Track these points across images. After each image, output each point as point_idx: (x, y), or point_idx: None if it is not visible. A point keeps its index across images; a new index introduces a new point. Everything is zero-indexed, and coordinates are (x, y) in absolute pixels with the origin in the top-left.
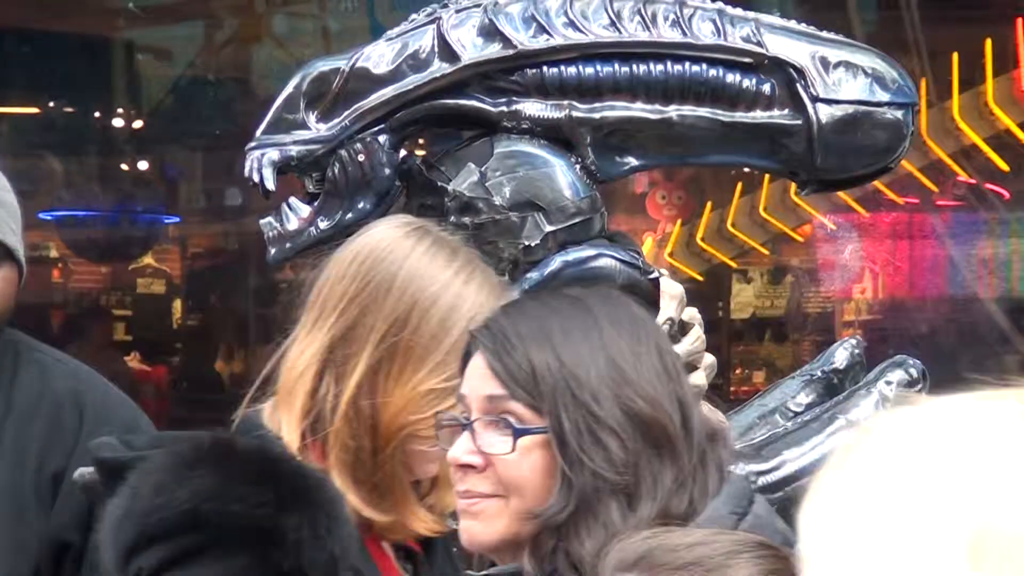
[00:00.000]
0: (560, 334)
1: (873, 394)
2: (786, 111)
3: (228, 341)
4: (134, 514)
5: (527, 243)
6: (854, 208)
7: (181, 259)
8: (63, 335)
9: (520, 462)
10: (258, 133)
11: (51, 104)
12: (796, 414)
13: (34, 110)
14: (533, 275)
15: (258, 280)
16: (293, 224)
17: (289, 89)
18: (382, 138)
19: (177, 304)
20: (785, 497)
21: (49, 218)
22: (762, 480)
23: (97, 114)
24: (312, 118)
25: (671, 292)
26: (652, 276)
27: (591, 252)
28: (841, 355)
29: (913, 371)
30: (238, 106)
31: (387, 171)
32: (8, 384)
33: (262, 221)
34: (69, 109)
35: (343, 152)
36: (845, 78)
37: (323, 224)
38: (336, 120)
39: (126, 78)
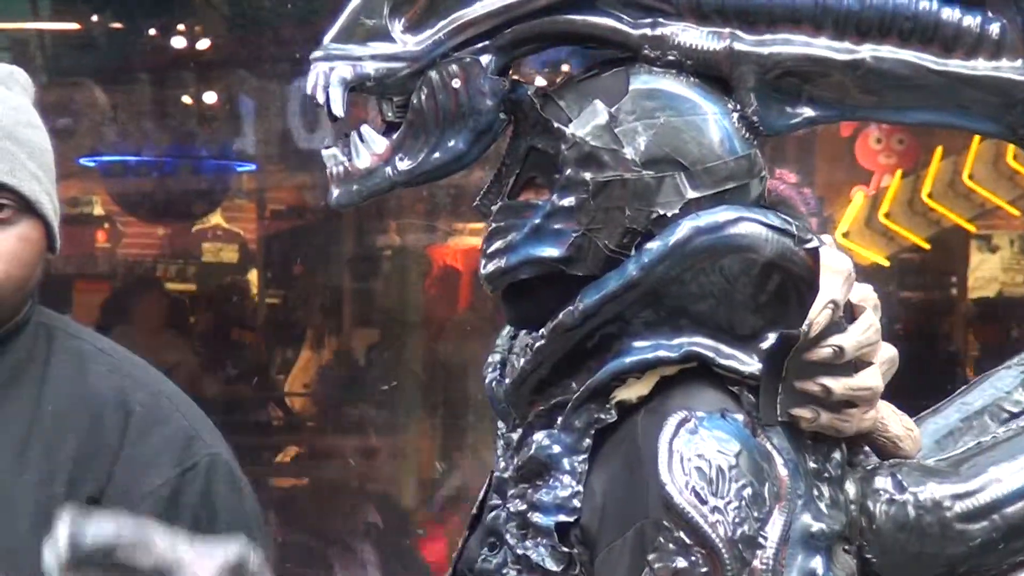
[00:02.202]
0: None
1: None
2: (1018, 62)
3: (316, 324)
4: None
5: (661, 212)
6: None
7: (258, 219)
8: (108, 315)
9: None
10: (327, 40)
11: (95, 19)
12: (1012, 416)
13: (73, 26)
14: (654, 245)
15: (355, 246)
16: (364, 160)
17: None
18: (485, 59)
19: (252, 276)
20: (992, 528)
21: (92, 164)
22: (959, 506)
23: (152, 32)
24: (397, 28)
25: (835, 267)
26: (811, 246)
27: (730, 215)
28: None
29: None
30: (328, 23)
31: (488, 102)
32: (38, 379)
33: (325, 152)
34: (117, 25)
35: (434, 74)
36: None
37: (402, 164)
38: (428, 33)
39: None
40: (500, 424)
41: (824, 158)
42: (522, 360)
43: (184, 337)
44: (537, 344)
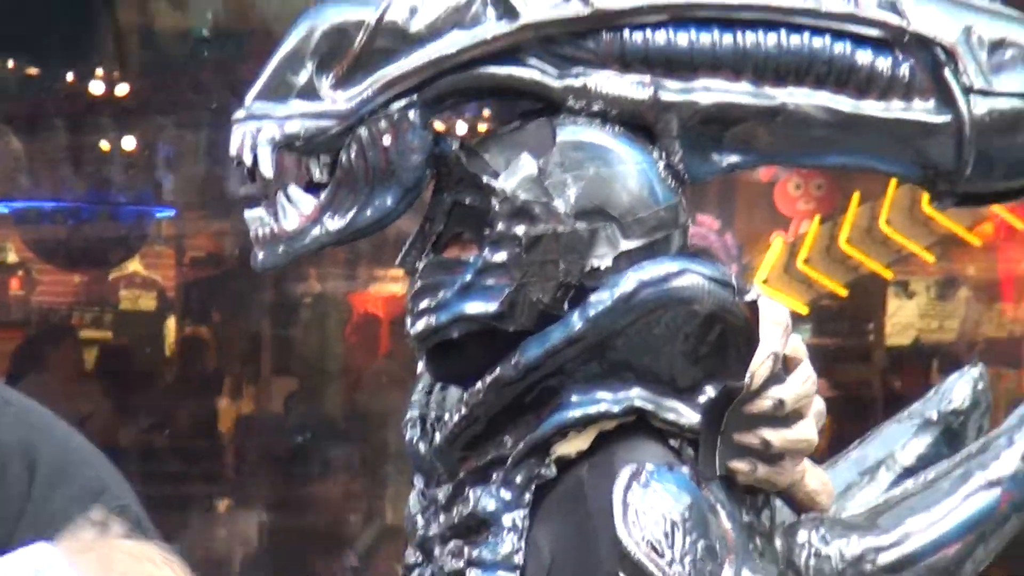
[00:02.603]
0: None
1: (1018, 444)
2: (930, 103)
3: (235, 372)
4: None
5: (596, 264)
6: None
7: (176, 266)
8: (20, 364)
9: None
10: (249, 100)
11: (10, 64)
12: (907, 469)
13: None
14: (599, 298)
15: (275, 293)
16: (292, 222)
17: (293, 43)
18: (412, 114)
19: (170, 324)
20: None
21: (5, 211)
22: (882, 559)
23: (70, 77)
24: (325, 84)
25: (774, 318)
26: (749, 298)
27: (673, 267)
28: (961, 390)
29: None
30: (249, 68)
31: (416, 157)
32: None
33: (248, 214)
34: (33, 71)
35: (363, 131)
36: (1009, 63)
37: (332, 223)
38: (357, 89)
39: (108, 32)
40: (417, 481)
41: (744, 204)
42: (456, 416)
43: (99, 386)
44: (472, 400)
